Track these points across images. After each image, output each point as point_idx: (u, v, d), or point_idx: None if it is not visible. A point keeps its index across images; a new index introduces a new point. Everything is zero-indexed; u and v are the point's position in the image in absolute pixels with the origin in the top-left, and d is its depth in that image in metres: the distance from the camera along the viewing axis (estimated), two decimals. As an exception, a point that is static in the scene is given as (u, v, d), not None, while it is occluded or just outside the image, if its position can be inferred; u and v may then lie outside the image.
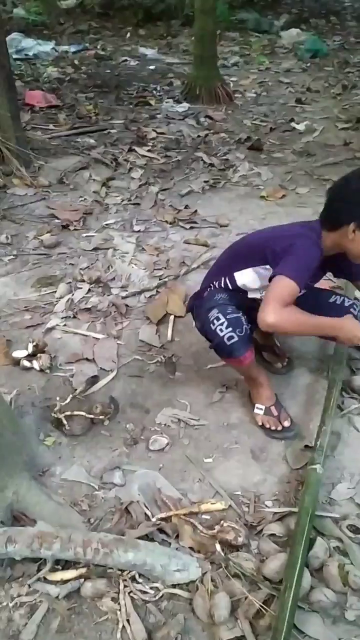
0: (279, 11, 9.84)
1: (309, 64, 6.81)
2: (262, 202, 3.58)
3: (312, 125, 4.87)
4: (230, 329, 1.83)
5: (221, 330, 1.84)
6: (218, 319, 1.85)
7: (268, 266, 1.86)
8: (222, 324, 1.84)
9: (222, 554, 1.59)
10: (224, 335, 1.83)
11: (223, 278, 2.00)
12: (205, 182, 3.88)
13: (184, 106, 5.39)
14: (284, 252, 1.79)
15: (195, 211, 3.49)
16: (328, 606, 1.47)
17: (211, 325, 1.86)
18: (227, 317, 1.85)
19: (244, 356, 1.88)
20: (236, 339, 1.83)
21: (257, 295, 1.98)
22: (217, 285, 2.02)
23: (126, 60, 7.22)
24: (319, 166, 4.11)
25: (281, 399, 2.08)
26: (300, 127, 4.86)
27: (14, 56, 6.92)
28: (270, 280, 1.77)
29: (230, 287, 1.99)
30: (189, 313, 2.20)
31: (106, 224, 3.37)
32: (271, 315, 1.68)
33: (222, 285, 2.01)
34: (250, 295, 1.99)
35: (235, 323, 1.85)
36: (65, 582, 1.52)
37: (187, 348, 2.41)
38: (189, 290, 2.73)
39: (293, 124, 4.91)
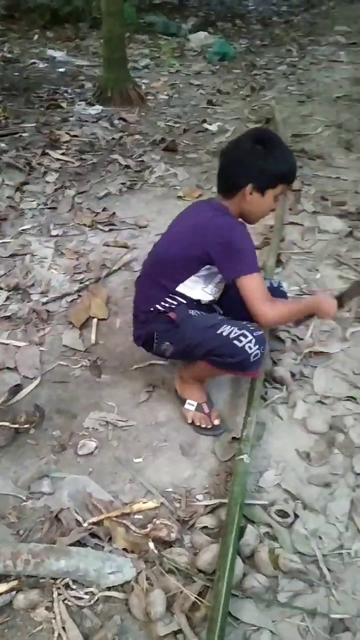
0: (186, 14, 9.99)
1: (217, 67, 6.96)
2: (179, 202, 3.62)
3: (224, 125, 4.98)
4: (257, 346, 1.77)
5: (250, 348, 1.76)
6: (245, 335, 1.77)
7: (208, 266, 1.86)
8: (250, 342, 1.76)
9: (156, 552, 1.60)
10: (252, 353, 1.77)
11: (166, 298, 1.93)
12: (122, 184, 3.88)
13: (96, 108, 5.36)
14: (224, 251, 1.80)
15: (114, 213, 3.48)
16: (261, 591, 1.51)
17: (236, 342, 1.76)
18: (254, 334, 1.78)
19: (258, 370, 1.92)
20: (260, 356, 1.80)
21: (210, 298, 1.99)
22: (169, 304, 1.93)
23: (35, 62, 7.08)
24: (233, 165, 4.21)
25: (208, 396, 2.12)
26: (213, 127, 4.95)
27: None
28: (231, 281, 1.82)
29: (185, 302, 1.94)
30: (140, 345, 2.08)
31: (22, 230, 3.29)
32: (270, 315, 1.81)
33: (174, 301, 1.93)
34: (205, 302, 1.99)
35: (261, 340, 1.80)
36: (-4, 597, 1.48)
37: (112, 350, 2.40)
38: (111, 292, 2.72)
39: (205, 125, 5.00)
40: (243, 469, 1.73)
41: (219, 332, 1.79)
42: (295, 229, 3.31)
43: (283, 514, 1.71)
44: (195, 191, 3.75)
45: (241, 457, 1.76)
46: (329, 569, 1.56)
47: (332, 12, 10.22)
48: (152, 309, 1.95)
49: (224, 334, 1.78)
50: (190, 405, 2.04)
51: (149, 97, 5.73)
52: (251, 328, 1.81)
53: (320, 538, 1.65)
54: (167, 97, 5.87)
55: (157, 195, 3.79)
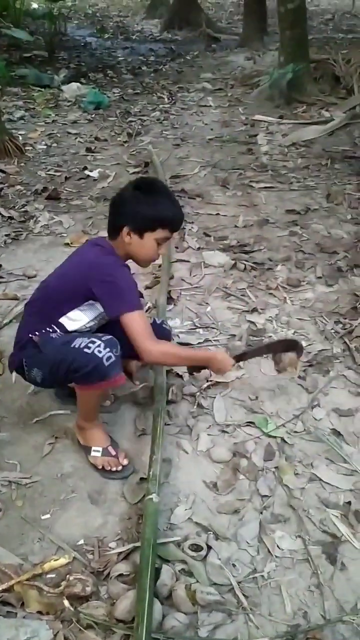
0: (57, 66, 10.16)
1: (93, 115, 7.12)
2: (66, 249, 3.63)
3: (104, 171, 5.09)
4: (108, 349, 1.81)
5: (99, 352, 1.79)
6: (93, 342, 1.82)
7: (92, 301, 1.94)
8: (99, 346, 1.81)
9: (72, 609, 1.55)
10: (103, 356, 1.79)
11: (46, 328, 1.97)
12: (6, 235, 3.82)
13: (-27, 162, 5.27)
14: (107, 288, 1.87)
15: (0, 266, 3.42)
16: (181, 630, 1.51)
17: (86, 350, 1.80)
18: (102, 339, 1.84)
19: (120, 375, 1.92)
20: (114, 358, 1.82)
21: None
22: (44, 331, 1.97)
23: None
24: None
25: (113, 436, 2.12)
26: (94, 174, 5.04)
27: None
28: (114, 318, 1.89)
29: (61, 332, 1.98)
30: (12, 370, 2.09)
31: None
32: (154, 352, 1.89)
33: (51, 330, 1.97)
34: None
35: (111, 343, 1.84)
36: None
37: (10, 406, 2.33)
38: (4, 346, 2.65)
39: (87, 172, 5.08)
40: (153, 509, 1.74)
41: (72, 345, 1.85)
42: (183, 266, 3.44)
43: (196, 547, 1.72)
44: (82, 237, 3.78)
45: (150, 497, 1.77)
46: (245, 595, 1.60)
47: (196, 60, 10.86)
48: (31, 335, 1.97)
49: (76, 346, 1.84)
50: (96, 452, 2.02)
51: (27, 148, 5.73)
52: (100, 335, 1.88)
53: (234, 565, 1.68)
54: (45, 147, 5.91)
55: (44, 244, 3.78)
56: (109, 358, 1.81)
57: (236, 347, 2.58)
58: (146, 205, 1.90)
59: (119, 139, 6.15)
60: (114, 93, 8.30)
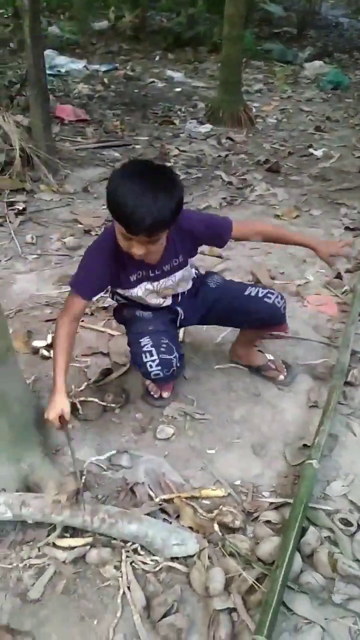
0: (304, 44, 10.14)
1: (329, 95, 7.02)
2: (276, 221, 3.72)
3: (329, 152, 5.04)
4: (159, 367, 1.90)
5: (151, 367, 1.90)
6: (152, 354, 1.90)
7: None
8: (153, 361, 1.90)
9: (220, 534, 1.69)
10: (151, 372, 1.91)
11: None
12: (223, 198, 4.04)
13: (206, 127, 5.59)
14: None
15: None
16: (316, 589, 1.56)
17: (142, 356, 1.90)
18: (161, 356, 1.90)
19: (163, 386, 2.16)
20: (161, 375, 1.93)
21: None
22: None
23: (154, 81, 7.48)
24: (334, 190, 4.27)
25: (284, 402, 2.21)
26: (318, 153, 5.03)
27: (48, 72, 7.19)
28: None
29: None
30: None
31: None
32: (58, 322, 1.83)
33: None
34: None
35: (166, 364, 1.91)
36: (73, 548, 1.64)
37: (197, 349, 2.53)
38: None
39: (311, 150, 5.09)
40: (311, 473, 1.79)
41: (139, 340, 1.94)
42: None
43: (346, 522, 1.74)
44: (293, 212, 3.84)
45: (310, 461, 1.83)
46: (386, 580, 1.58)
47: None
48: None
49: (141, 344, 1.92)
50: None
51: (258, 120, 5.90)
52: (164, 347, 1.92)
53: (381, 550, 1.67)
54: (275, 121, 6.02)
55: (256, 212, 3.92)
56: (156, 375, 1.92)
57: None
58: (111, 189, 1.58)
59: (351, 121, 6.00)
60: (356, 75, 8.04)
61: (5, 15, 11.84)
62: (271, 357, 2.38)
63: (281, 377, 2.34)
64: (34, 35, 3.70)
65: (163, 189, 1.56)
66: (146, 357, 1.90)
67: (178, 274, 1.95)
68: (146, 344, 1.92)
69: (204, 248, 3.36)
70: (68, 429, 1.78)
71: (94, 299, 2.18)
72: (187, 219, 1.80)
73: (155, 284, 1.94)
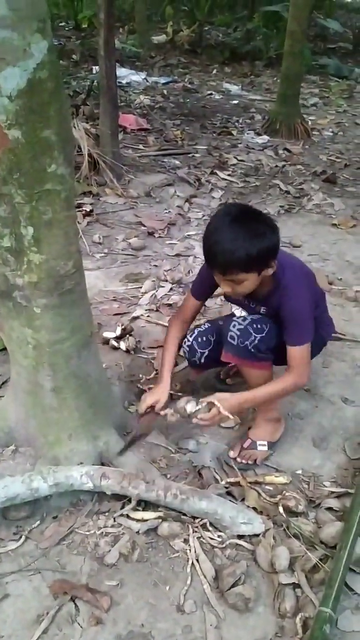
0: (359, 59, 10.17)
1: (386, 110, 7.06)
2: (333, 229, 3.80)
3: (386, 165, 5.09)
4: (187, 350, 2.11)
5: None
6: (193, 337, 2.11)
7: None
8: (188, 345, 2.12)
9: (284, 517, 1.78)
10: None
11: None
12: (280, 206, 4.14)
13: (263, 138, 5.71)
14: None
15: (271, 231, 3.74)
16: (377, 572, 1.63)
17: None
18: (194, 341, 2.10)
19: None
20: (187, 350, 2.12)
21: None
22: None
23: (211, 93, 7.66)
24: (391, 202, 4.31)
25: (344, 400, 2.28)
26: (375, 165, 5.08)
27: (109, 83, 7.46)
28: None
29: None
30: None
31: (188, 235, 3.66)
32: None
33: None
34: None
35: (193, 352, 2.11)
36: (145, 520, 1.75)
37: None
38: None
39: (368, 163, 5.14)
40: (374, 465, 1.86)
41: None
42: None
43: None
44: (350, 221, 3.90)
45: (373, 454, 1.89)
46: None
47: None
48: None
49: None
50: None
51: (314, 133, 5.98)
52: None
53: None
54: (331, 134, 6.08)
55: (313, 220, 4.00)
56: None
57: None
58: (207, 226, 1.75)
59: None
60: None
61: (67, 29, 12.29)
62: (263, 447, 2.03)
63: (232, 453, 2.03)
64: (107, 47, 3.91)
65: (247, 231, 1.63)
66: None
67: (254, 315, 1.94)
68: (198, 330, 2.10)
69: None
70: (155, 419, 1.95)
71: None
72: (286, 303, 1.80)
73: (239, 310, 2.03)
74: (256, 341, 1.82)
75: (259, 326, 1.84)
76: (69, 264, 1.63)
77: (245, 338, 1.83)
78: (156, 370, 2.42)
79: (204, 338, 2.08)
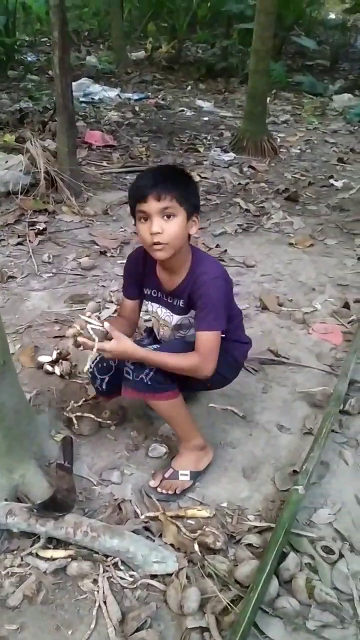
0: (335, 76, 10.28)
1: (356, 127, 7.09)
2: (289, 249, 3.77)
3: (350, 183, 5.08)
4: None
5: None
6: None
7: None
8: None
9: (200, 555, 1.71)
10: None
11: None
12: (239, 225, 4.11)
13: (230, 155, 5.71)
14: None
15: (225, 250, 3.71)
16: (291, 614, 1.56)
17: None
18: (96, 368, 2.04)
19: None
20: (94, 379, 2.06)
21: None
22: None
23: (183, 110, 7.68)
24: (351, 221, 4.30)
25: (279, 428, 2.23)
26: (339, 184, 5.07)
27: (81, 99, 7.46)
28: None
29: None
30: None
31: (141, 254, 3.61)
32: None
33: None
34: None
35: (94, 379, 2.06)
36: (54, 559, 1.67)
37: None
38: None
39: (332, 181, 5.14)
40: (296, 498, 1.80)
41: None
42: None
43: (329, 550, 1.74)
44: (307, 240, 3.88)
45: (296, 487, 1.84)
46: (363, 611, 1.58)
47: None
48: None
49: None
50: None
51: (281, 150, 6.00)
52: None
53: (361, 580, 1.66)
54: (299, 151, 6.10)
55: (270, 239, 3.97)
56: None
57: None
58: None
59: (375, 153, 6.04)
60: (384, 108, 8.09)
61: (48, 44, 12.33)
62: (184, 476, 1.97)
63: (152, 482, 1.97)
64: (62, 66, 3.88)
65: (175, 174, 1.76)
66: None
67: (179, 317, 1.94)
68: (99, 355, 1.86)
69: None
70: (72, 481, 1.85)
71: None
72: (203, 283, 1.79)
73: (161, 309, 1.99)
74: (151, 373, 1.77)
75: None
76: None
77: (139, 372, 1.77)
78: (88, 395, 2.35)
79: (104, 364, 1.98)
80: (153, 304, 2.01)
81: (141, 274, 1.97)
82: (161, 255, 1.75)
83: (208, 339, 1.77)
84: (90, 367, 2.00)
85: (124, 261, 3.22)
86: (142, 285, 2.01)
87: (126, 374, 1.80)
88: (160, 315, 2.00)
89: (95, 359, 1.96)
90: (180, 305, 1.90)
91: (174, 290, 1.90)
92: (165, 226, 1.69)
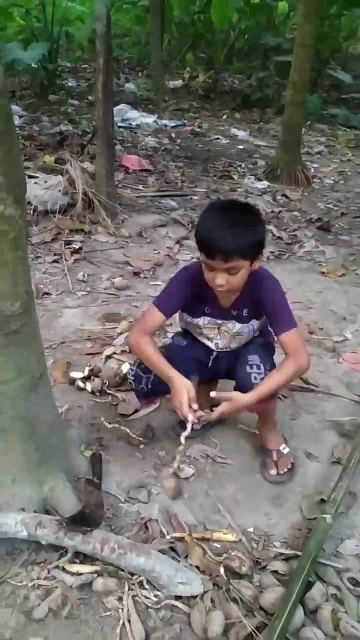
0: (371, 110, 10.33)
1: (390, 162, 7.11)
2: (321, 277, 3.78)
3: (383, 215, 5.09)
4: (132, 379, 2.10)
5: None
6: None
7: None
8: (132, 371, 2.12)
9: (225, 578, 1.70)
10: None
11: None
12: (271, 252, 4.14)
13: (264, 184, 5.77)
14: None
15: (257, 277, 3.73)
16: (316, 645, 1.54)
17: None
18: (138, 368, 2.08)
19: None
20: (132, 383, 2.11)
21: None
22: None
23: (218, 138, 7.80)
24: (384, 252, 4.29)
25: (307, 456, 2.22)
26: (372, 215, 5.09)
27: (120, 124, 7.65)
28: None
29: None
30: None
31: (172, 277, 3.66)
32: (131, 339, 1.97)
33: None
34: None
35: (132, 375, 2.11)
36: (80, 574, 1.69)
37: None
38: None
39: (365, 212, 5.15)
40: (323, 527, 1.79)
41: None
42: None
43: (355, 582, 1.72)
44: (339, 270, 3.89)
45: (324, 516, 1.82)
46: (389, 647, 1.55)
47: None
48: None
49: None
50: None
51: (315, 180, 6.04)
52: None
53: (388, 616, 1.63)
54: (332, 182, 6.13)
55: (302, 267, 3.99)
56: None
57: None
58: (199, 222, 1.81)
59: None
60: None
61: (88, 70, 12.71)
62: (285, 449, 2.17)
63: (273, 471, 2.11)
64: (105, 91, 4.01)
65: (244, 221, 1.73)
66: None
67: (240, 325, 1.99)
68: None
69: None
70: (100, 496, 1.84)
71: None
72: (268, 289, 1.88)
73: (219, 321, 2.01)
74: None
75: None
76: (16, 305, 1.61)
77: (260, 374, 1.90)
78: (119, 414, 2.38)
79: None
80: (201, 318, 2.02)
81: (196, 295, 1.95)
82: (224, 294, 1.87)
83: (292, 338, 1.85)
84: (132, 370, 2.06)
85: (157, 283, 3.30)
86: (187, 304, 2.01)
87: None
88: (218, 322, 2.02)
89: (136, 361, 2.06)
90: (244, 314, 1.96)
91: (232, 304, 1.95)
92: (230, 279, 1.75)
